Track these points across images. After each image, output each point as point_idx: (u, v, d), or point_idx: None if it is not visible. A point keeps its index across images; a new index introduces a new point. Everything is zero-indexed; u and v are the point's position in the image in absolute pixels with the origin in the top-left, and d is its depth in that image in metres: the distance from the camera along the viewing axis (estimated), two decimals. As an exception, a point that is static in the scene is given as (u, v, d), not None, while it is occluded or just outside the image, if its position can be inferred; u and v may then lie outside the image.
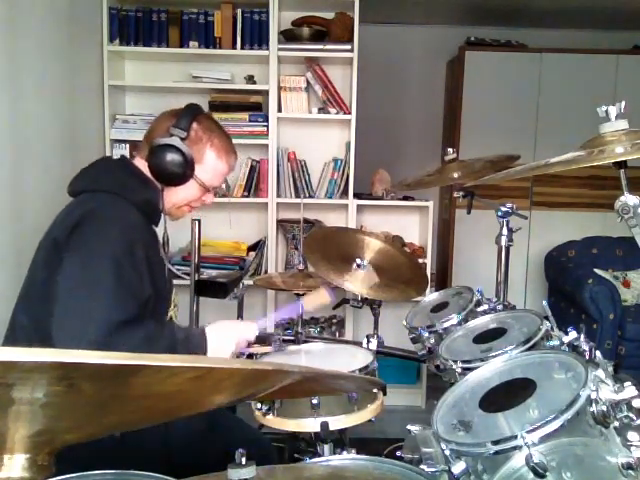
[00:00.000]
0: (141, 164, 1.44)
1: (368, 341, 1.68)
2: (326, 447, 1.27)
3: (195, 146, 1.41)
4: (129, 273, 1.27)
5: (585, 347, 1.03)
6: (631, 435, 0.81)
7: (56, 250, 1.28)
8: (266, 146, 3.11)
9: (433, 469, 0.90)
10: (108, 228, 1.28)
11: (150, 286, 1.34)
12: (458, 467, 0.85)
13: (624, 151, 1.06)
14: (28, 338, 1.30)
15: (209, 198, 1.51)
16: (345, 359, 1.63)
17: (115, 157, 1.54)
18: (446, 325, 1.56)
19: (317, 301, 1.65)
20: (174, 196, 1.45)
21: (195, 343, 1.35)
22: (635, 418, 0.82)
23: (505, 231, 1.82)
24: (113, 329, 1.19)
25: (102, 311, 1.20)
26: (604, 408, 0.81)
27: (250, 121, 3.11)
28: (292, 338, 1.77)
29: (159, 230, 1.49)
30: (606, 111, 1.14)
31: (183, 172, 1.40)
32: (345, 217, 3.18)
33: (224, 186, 2.93)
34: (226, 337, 1.40)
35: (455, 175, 2.00)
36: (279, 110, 3.11)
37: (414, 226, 3.41)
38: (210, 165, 1.44)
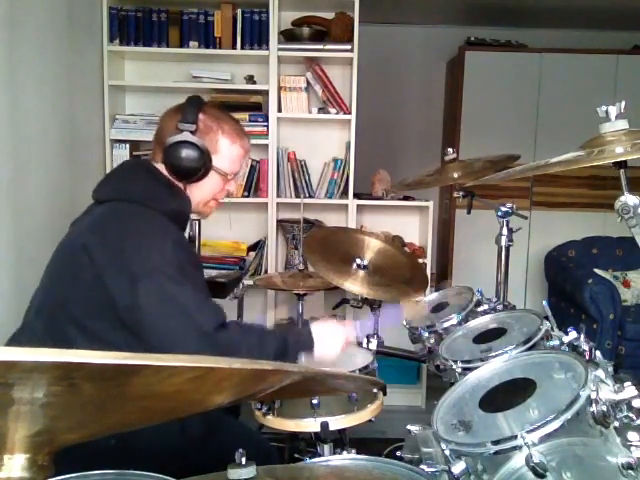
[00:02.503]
0: (161, 167, 1.41)
1: (368, 341, 1.68)
2: (326, 447, 1.27)
3: (207, 137, 1.40)
4: (196, 278, 1.30)
5: (585, 347, 1.03)
6: (631, 435, 0.81)
7: (91, 263, 1.24)
8: (266, 146, 3.11)
9: (433, 469, 0.90)
10: (161, 245, 1.27)
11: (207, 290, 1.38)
12: (458, 467, 0.85)
13: (624, 151, 1.06)
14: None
15: (232, 186, 1.50)
16: (345, 359, 1.63)
17: (139, 160, 1.53)
18: (446, 325, 1.56)
19: (418, 313, 1.66)
20: (199, 192, 1.44)
21: (304, 340, 1.35)
22: (635, 418, 0.82)
23: (505, 231, 1.82)
24: (213, 334, 1.21)
25: (196, 322, 1.22)
26: (604, 408, 0.81)
27: (250, 121, 3.11)
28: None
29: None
30: (606, 111, 1.14)
31: (202, 165, 1.39)
32: (345, 217, 3.17)
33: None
34: (332, 334, 1.40)
35: (455, 175, 2.00)
36: (279, 110, 3.11)
37: (414, 226, 3.41)
38: (226, 152, 1.43)
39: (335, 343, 1.39)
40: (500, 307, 1.59)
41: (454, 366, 1.21)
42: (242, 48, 3.07)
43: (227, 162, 1.44)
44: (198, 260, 1.45)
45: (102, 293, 1.23)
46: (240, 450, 0.70)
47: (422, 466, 0.92)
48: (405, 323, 1.77)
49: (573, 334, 1.08)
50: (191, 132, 1.37)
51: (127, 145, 3.06)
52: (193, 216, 1.57)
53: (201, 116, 1.40)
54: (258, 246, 3.24)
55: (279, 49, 3.04)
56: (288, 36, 3.13)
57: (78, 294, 1.27)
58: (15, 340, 1.35)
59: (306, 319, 1.75)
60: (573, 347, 1.06)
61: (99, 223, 1.32)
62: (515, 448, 0.81)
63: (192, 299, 1.25)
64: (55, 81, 2.41)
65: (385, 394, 1.47)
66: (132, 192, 1.36)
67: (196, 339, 1.22)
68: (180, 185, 1.42)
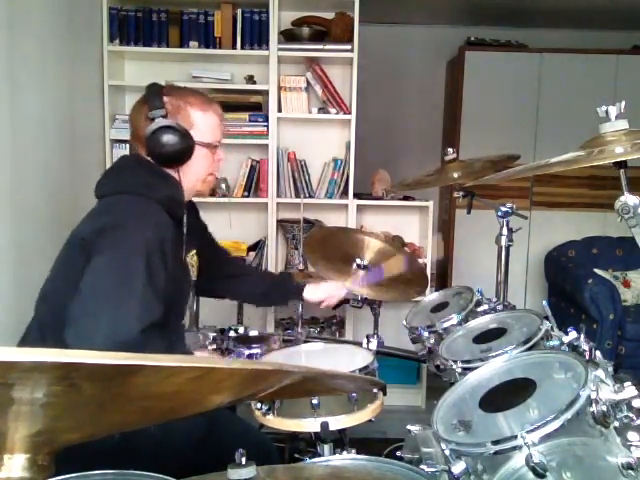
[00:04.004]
0: (151, 160, 1.43)
1: (368, 341, 1.68)
2: (326, 447, 1.26)
3: (179, 115, 1.41)
4: (159, 273, 1.28)
5: (585, 347, 1.03)
6: (631, 435, 0.81)
7: (82, 251, 1.28)
8: (266, 146, 3.11)
9: (433, 469, 0.90)
10: (138, 228, 1.28)
11: (174, 287, 1.35)
12: (458, 467, 0.85)
13: (624, 151, 1.06)
14: (52, 338, 1.29)
15: (220, 154, 1.51)
16: (345, 359, 1.63)
17: (133, 154, 1.53)
18: (446, 325, 1.56)
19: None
20: (192, 172, 1.45)
21: None
22: (635, 418, 0.82)
23: (505, 231, 1.82)
24: (140, 330, 1.19)
25: (131, 311, 1.20)
26: (604, 408, 0.81)
27: (250, 121, 3.11)
28: (292, 338, 1.77)
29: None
30: (606, 111, 1.14)
31: (185, 144, 1.40)
32: (345, 217, 3.17)
33: (224, 186, 2.93)
34: None
35: (455, 175, 2.00)
36: (279, 110, 3.11)
37: (414, 226, 3.41)
38: (201, 123, 1.44)
39: None
40: (500, 307, 1.59)
41: (454, 366, 1.21)
42: (242, 48, 3.07)
43: (207, 132, 1.45)
44: (179, 254, 1.42)
45: None
46: (240, 450, 0.70)
47: (422, 466, 0.92)
48: (405, 323, 1.77)
49: (573, 334, 1.08)
50: (162, 116, 1.38)
51: (127, 145, 3.06)
52: (195, 199, 1.58)
53: (166, 98, 1.41)
54: (258, 246, 3.24)
55: (279, 49, 3.04)
56: (288, 36, 3.13)
57: (73, 285, 1.28)
58: (26, 336, 1.36)
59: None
60: (573, 347, 1.06)
61: (94, 214, 1.38)
62: (515, 448, 0.81)
63: (136, 290, 1.22)
64: (55, 81, 2.41)
65: (385, 394, 1.47)
66: (126, 184, 1.39)
67: (110, 332, 1.17)
68: (172, 172, 1.43)
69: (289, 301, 1.93)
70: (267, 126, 3.09)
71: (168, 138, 1.38)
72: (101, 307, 1.20)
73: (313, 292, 1.86)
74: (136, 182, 1.39)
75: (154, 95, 1.41)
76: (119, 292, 1.23)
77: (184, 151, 1.41)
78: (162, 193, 1.38)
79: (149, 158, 1.43)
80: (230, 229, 2.85)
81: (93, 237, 1.28)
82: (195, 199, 1.61)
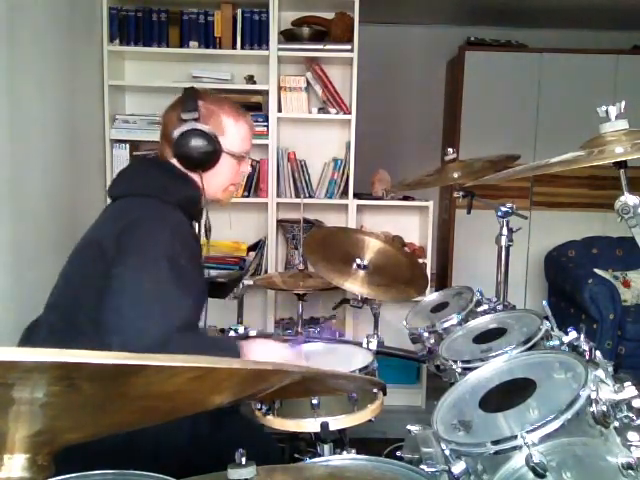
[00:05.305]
0: (174, 162, 1.43)
1: (368, 341, 1.68)
2: (326, 447, 1.27)
3: (210, 120, 1.41)
4: (186, 272, 1.28)
5: (585, 347, 1.03)
6: (631, 435, 0.81)
7: (102, 256, 1.27)
8: (266, 146, 3.10)
9: (433, 469, 0.90)
10: (159, 231, 1.28)
11: (196, 287, 1.35)
12: (458, 467, 0.85)
13: (624, 151, 1.06)
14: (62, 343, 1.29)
15: (246, 167, 1.50)
16: (345, 359, 1.63)
17: (148, 156, 1.54)
18: (446, 325, 1.56)
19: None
20: (216, 179, 1.45)
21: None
22: (635, 418, 0.82)
23: (505, 231, 1.82)
24: (175, 331, 1.19)
25: (166, 313, 1.20)
26: (604, 408, 0.81)
27: (250, 121, 3.11)
28: (292, 338, 1.77)
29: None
30: (606, 111, 1.14)
31: (212, 150, 1.39)
32: (345, 217, 3.17)
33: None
34: (263, 356, 1.35)
35: (455, 175, 2.00)
36: (279, 110, 3.10)
37: (414, 226, 3.41)
38: (233, 132, 1.44)
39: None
40: (500, 307, 1.59)
41: (454, 366, 1.21)
42: (242, 48, 3.07)
43: (236, 141, 1.45)
44: (198, 254, 1.43)
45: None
46: (240, 450, 0.70)
47: (422, 466, 0.92)
48: (405, 323, 1.77)
49: (573, 334, 1.08)
50: (195, 119, 1.38)
51: (127, 145, 3.06)
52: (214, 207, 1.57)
53: (200, 102, 1.41)
54: (258, 246, 3.24)
55: (279, 49, 3.04)
56: (288, 36, 3.13)
57: (90, 290, 1.29)
58: (30, 338, 1.36)
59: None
60: (573, 347, 1.06)
61: (110, 218, 1.37)
62: (515, 448, 0.81)
63: (166, 292, 1.23)
64: (55, 81, 2.41)
65: (385, 394, 1.47)
66: (141, 186, 1.39)
67: (155, 332, 1.18)
68: (195, 176, 1.43)
69: None
70: (267, 126, 3.09)
71: (196, 142, 1.38)
72: (140, 311, 1.20)
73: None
74: (152, 184, 1.39)
75: (189, 98, 1.41)
76: (153, 295, 1.22)
77: (210, 157, 1.40)
78: (179, 195, 1.38)
79: (174, 160, 1.43)
80: (230, 229, 2.85)
81: (112, 241, 1.27)
82: None
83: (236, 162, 1.46)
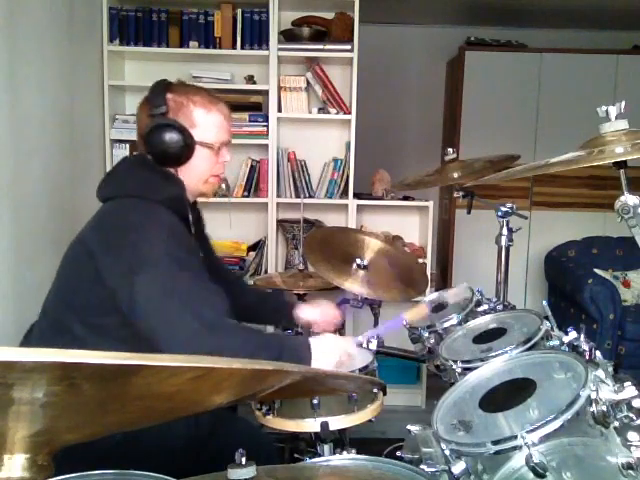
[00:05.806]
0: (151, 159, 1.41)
1: (368, 341, 1.68)
2: (326, 447, 1.26)
3: (180, 112, 1.37)
4: (195, 266, 1.29)
5: (585, 347, 1.03)
6: (631, 435, 0.81)
7: (89, 258, 1.27)
8: (266, 146, 3.11)
9: (433, 469, 0.89)
10: (153, 233, 1.27)
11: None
12: (458, 467, 0.85)
13: (624, 151, 1.06)
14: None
15: (225, 156, 1.46)
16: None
17: (135, 155, 1.52)
18: (446, 325, 1.56)
19: (418, 315, 1.67)
20: (193, 173, 1.41)
21: (300, 355, 1.31)
22: (635, 418, 0.82)
23: (505, 231, 1.82)
24: (216, 320, 1.22)
25: (195, 311, 1.21)
26: (604, 408, 0.81)
27: (250, 121, 3.11)
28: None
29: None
30: (606, 111, 1.14)
31: (184, 143, 1.35)
32: (345, 217, 3.17)
33: (224, 186, 2.92)
34: (330, 351, 1.37)
35: (455, 175, 2.00)
36: (279, 110, 3.11)
37: (414, 226, 3.41)
38: (205, 122, 1.39)
39: (332, 359, 1.36)
40: (500, 307, 1.58)
41: (454, 366, 1.21)
42: (242, 48, 3.07)
43: (209, 132, 1.40)
44: (195, 251, 1.42)
45: (103, 290, 1.24)
46: (240, 450, 0.70)
47: (422, 466, 0.92)
48: (405, 323, 1.77)
49: (573, 334, 1.08)
50: (162, 114, 1.35)
51: (127, 145, 3.06)
52: (199, 199, 1.55)
53: (169, 95, 1.37)
54: (258, 246, 3.24)
55: (279, 49, 3.05)
56: (288, 36, 3.13)
57: (81, 293, 1.29)
58: (23, 343, 1.36)
59: (304, 330, 1.73)
60: (573, 347, 1.06)
61: (99, 221, 1.35)
62: (515, 448, 0.81)
63: (190, 289, 1.24)
64: (55, 81, 2.41)
65: (385, 394, 1.46)
66: (129, 187, 1.37)
67: (197, 328, 1.20)
68: (172, 171, 1.40)
69: (276, 318, 1.84)
70: (267, 126, 3.09)
71: (166, 136, 1.34)
72: (185, 309, 1.21)
73: (308, 311, 1.78)
74: (137, 184, 1.36)
75: (157, 92, 1.38)
76: (185, 293, 1.23)
77: (182, 151, 1.36)
78: (164, 194, 1.36)
79: (150, 157, 1.41)
80: (230, 229, 2.85)
81: (102, 247, 1.27)
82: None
83: (212, 153, 1.42)
